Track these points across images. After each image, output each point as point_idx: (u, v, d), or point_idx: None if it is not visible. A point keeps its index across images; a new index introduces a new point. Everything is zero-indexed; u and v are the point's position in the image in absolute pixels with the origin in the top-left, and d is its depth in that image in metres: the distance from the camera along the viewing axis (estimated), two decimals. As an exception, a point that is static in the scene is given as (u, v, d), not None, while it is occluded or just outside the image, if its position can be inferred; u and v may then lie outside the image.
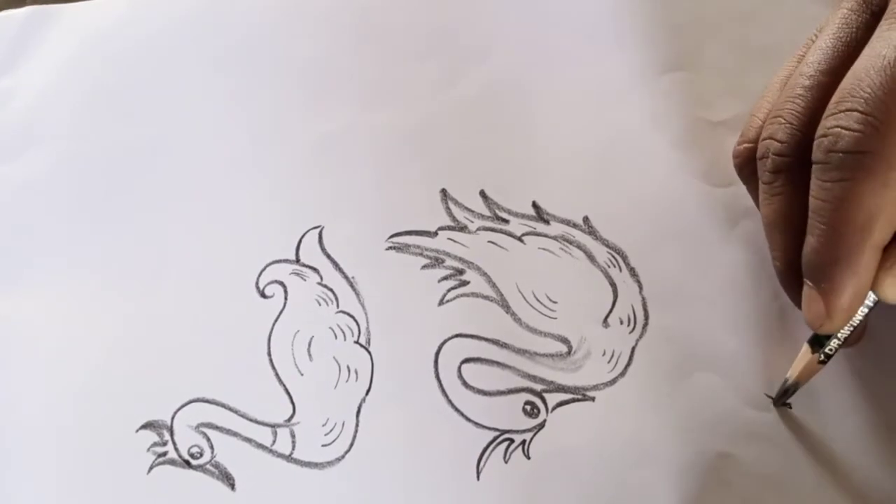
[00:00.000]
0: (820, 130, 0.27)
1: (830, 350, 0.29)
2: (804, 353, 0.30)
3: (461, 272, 0.34)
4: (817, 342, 0.29)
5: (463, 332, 0.33)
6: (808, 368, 0.30)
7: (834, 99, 0.27)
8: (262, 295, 0.34)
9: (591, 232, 0.35)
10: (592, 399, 0.32)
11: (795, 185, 0.28)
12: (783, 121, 0.29)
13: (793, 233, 0.29)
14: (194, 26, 0.41)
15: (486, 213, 0.35)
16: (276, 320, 0.34)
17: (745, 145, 0.31)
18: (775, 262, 0.30)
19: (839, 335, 0.29)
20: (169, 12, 0.41)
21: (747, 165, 0.31)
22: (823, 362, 0.30)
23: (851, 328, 0.29)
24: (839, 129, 0.26)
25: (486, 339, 0.33)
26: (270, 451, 0.32)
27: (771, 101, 0.31)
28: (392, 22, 0.40)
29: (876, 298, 0.28)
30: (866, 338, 0.31)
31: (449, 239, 0.35)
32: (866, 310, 0.28)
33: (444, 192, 0.36)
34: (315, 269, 0.35)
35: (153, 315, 0.34)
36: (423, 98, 0.38)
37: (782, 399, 0.31)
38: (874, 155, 0.25)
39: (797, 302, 0.29)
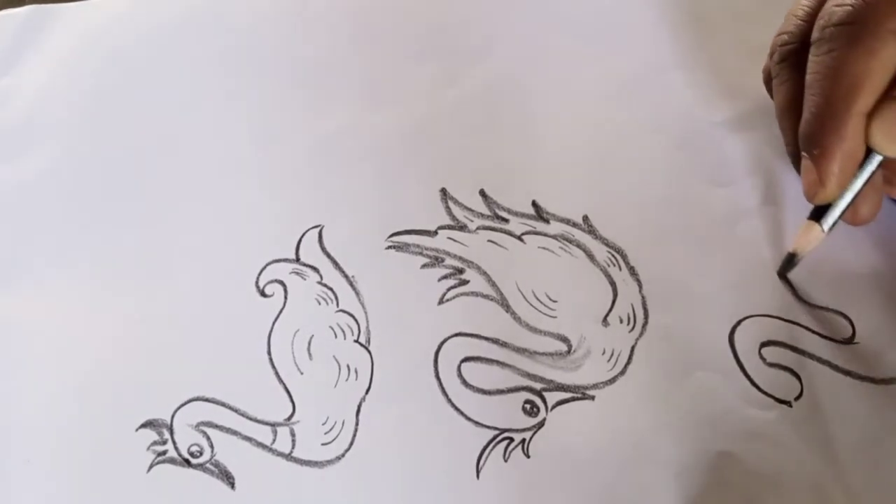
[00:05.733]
0: (819, 15, 0.29)
1: (832, 220, 0.31)
2: (805, 226, 0.31)
3: (461, 271, 0.34)
4: (817, 215, 0.31)
5: (463, 331, 0.33)
6: (808, 239, 0.31)
7: None
8: (262, 294, 0.34)
9: (591, 231, 0.35)
10: (592, 398, 0.32)
11: (801, 71, 0.30)
12: (793, 17, 0.31)
13: (799, 117, 0.30)
14: (194, 26, 0.41)
15: (486, 212, 0.35)
16: (275, 319, 0.34)
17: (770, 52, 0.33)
18: (787, 147, 0.32)
19: (838, 206, 0.30)
20: (169, 11, 0.41)
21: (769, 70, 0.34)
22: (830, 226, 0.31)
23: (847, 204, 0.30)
24: (834, 8, 0.28)
25: (486, 338, 0.33)
26: (270, 449, 0.32)
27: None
28: (391, 22, 0.40)
29: (875, 165, 0.30)
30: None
31: (449, 238, 0.35)
32: (866, 175, 0.30)
33: (443, 191, 0.36)
34: (315, 269, 0.35)
35: (153, 314, 0.34)
36: (423, 97, 0.38)
37: (785, 270, 0.33)
38: (862, 25, 0.28)
39: None
